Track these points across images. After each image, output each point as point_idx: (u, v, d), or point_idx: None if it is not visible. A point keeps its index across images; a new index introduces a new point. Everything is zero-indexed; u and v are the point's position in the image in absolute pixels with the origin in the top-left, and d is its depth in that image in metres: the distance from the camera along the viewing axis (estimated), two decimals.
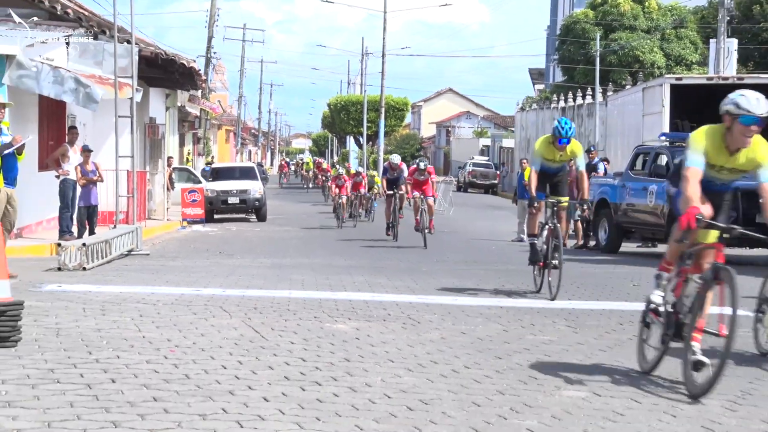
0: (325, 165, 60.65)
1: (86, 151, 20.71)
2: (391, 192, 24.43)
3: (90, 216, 20.55)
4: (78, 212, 20.47)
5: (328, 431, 5.73)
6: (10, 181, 14.49)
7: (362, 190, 34.61)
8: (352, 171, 37.63)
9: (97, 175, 20.73)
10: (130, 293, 11.99)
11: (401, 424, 5.93)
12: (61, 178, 20.15)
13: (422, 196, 22.80)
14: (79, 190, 20.49)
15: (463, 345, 8.81)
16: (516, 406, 6.44)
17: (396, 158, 25.01)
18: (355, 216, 33.45)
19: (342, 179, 34.33)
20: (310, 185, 66.17)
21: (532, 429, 5.93)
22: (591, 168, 24.48)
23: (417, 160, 24.40)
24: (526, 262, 18.50)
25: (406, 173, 24.52)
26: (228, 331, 9.12)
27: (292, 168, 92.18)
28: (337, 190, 34.13)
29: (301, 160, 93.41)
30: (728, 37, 39.37)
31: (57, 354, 7.74)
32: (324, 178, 54.21)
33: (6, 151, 13.77)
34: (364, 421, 5.94)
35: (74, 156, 20.52)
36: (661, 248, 22.50)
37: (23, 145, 14.00)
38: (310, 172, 68.45)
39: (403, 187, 24.32)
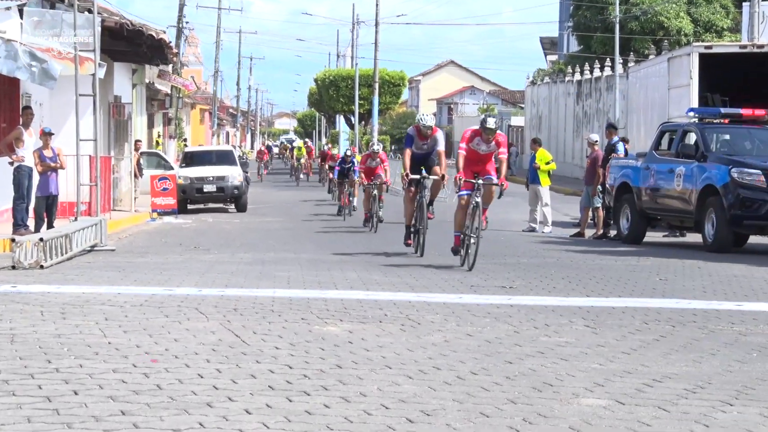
0: (335, 151, 47.85)
1: (46, 134, 20.65)
2: (417, 177, 17.64)
3: (49, 207, 20.52)
4: (36, 203, 20.40)
5: None
6: None
7: (383, 176, 27.07)
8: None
9: (58, 161, 20.68)
10: (94, 294, 11.96)
11: None
12: (15, 164, 20.12)
13: (480, 182, 15.92)
14: (36, 178, 20.45)
15: (469, 348, 8.81)
16: (529, 417, 6.44)
17: (429, 119, 17.91)
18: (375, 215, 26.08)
19: (379, 158, 27.01)
20: (302, 177, 59.87)
21: None
22: (610, 149, 24.50)
23: (484, 115, 17.00)
24: (539, 255, 18.58)
25: (441, 145, 17.92)
26: (205, 336, 9.11)
27: (275, 151, 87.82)
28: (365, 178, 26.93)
29: (289, 143, 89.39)
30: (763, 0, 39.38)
31: (12, 363, 7.72)
32: (330, 168, 43.21)
33: None
34: None
35: (29, 140, 20.49)
36: (691, 237, 22.53)
37: None
38: (303, 161, 61.08)
39: (436, 169, 17.84)
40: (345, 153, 34.77)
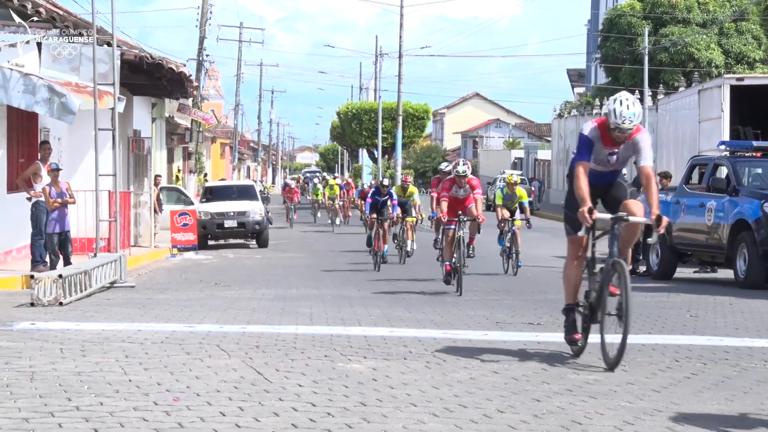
0: (386, 181, 27.91)
1: (55, 170, 20.56)
2: (608, 217, 10.35)
3: (63, 243, 20.54)
4: (48, 240, 20.33)
5: None
6: None
7: (473, 209, 18.88)
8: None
9: (68, 196, 20.70)
10: (114, 331, 12.03)
11: None
12: (33, 200, 20.23)
13: None
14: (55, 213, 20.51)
15: (496, 386, 8.82)
16: None
17: (629, 115, 10.06)
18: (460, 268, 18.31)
19: (468, 185, 19.02)
20: (338, 221, 48.59)
21: None
22: (638, 182, 24.48)
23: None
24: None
25: (646, 156, 10.58)
26: (226, 373, 9.15)
27: (293, 185, 59.19)
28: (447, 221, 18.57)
29: (308, 178, 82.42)
30: None
31: (32, 401, 7.77)
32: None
33: None
34: None
35: (47, 175, 20.60)
36: (722, 273, 22.47)
37: None
38: (337, 202, 49.70)
39: (631, 204, 10.63)
40: (381, 182, 27.49)
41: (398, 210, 26.11)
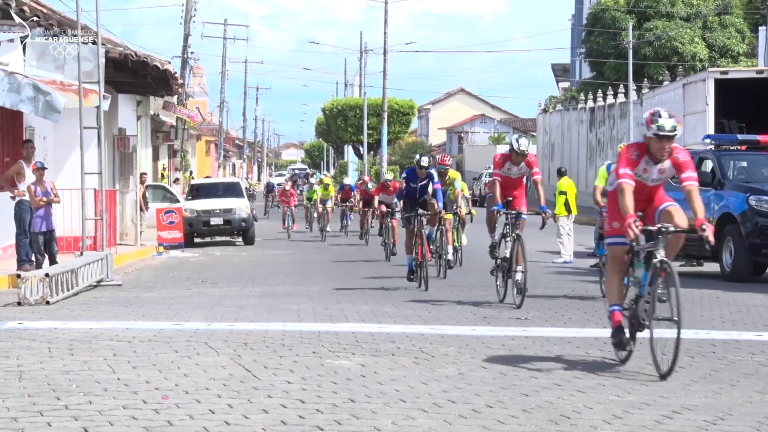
0: (425, 161, 18.89)
1: (40, 168, 20.45)
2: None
3: (48, 243, 20.41)
4: (35, 239, 20.21)
5: None
6: None
7: None
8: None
9: (53, 195, 20.58)
10: (102, 329, 12.02)
11: None
12: (17, 199, 20.16)
13: None
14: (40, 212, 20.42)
15: (484, 381, 8.84)
16: None
17: None
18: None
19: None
20: (329, 228, 38.28)
21: None
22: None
23: None
24: (553, 286, 18.59)
25: None
26: (215, 371, 9.16)
27: (287, 186, 44.62)
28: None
29: (296, 175, 79.36)
30: None
31: (20, 401, 7.77)
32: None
33: None
34: None
35: (31, 174, 20.52)
36: (708, 267, 22.52)
37: None
38: (329, 204, 39.10)
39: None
40: (418, 162, 18.80)
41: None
